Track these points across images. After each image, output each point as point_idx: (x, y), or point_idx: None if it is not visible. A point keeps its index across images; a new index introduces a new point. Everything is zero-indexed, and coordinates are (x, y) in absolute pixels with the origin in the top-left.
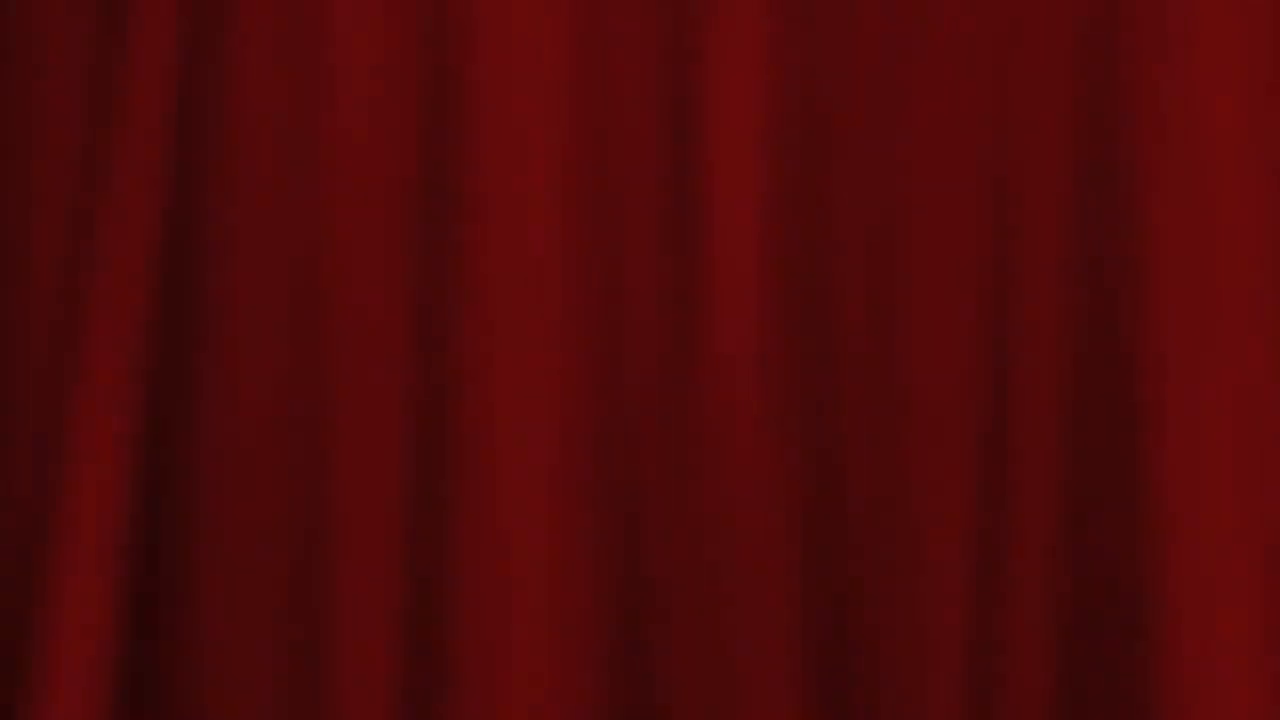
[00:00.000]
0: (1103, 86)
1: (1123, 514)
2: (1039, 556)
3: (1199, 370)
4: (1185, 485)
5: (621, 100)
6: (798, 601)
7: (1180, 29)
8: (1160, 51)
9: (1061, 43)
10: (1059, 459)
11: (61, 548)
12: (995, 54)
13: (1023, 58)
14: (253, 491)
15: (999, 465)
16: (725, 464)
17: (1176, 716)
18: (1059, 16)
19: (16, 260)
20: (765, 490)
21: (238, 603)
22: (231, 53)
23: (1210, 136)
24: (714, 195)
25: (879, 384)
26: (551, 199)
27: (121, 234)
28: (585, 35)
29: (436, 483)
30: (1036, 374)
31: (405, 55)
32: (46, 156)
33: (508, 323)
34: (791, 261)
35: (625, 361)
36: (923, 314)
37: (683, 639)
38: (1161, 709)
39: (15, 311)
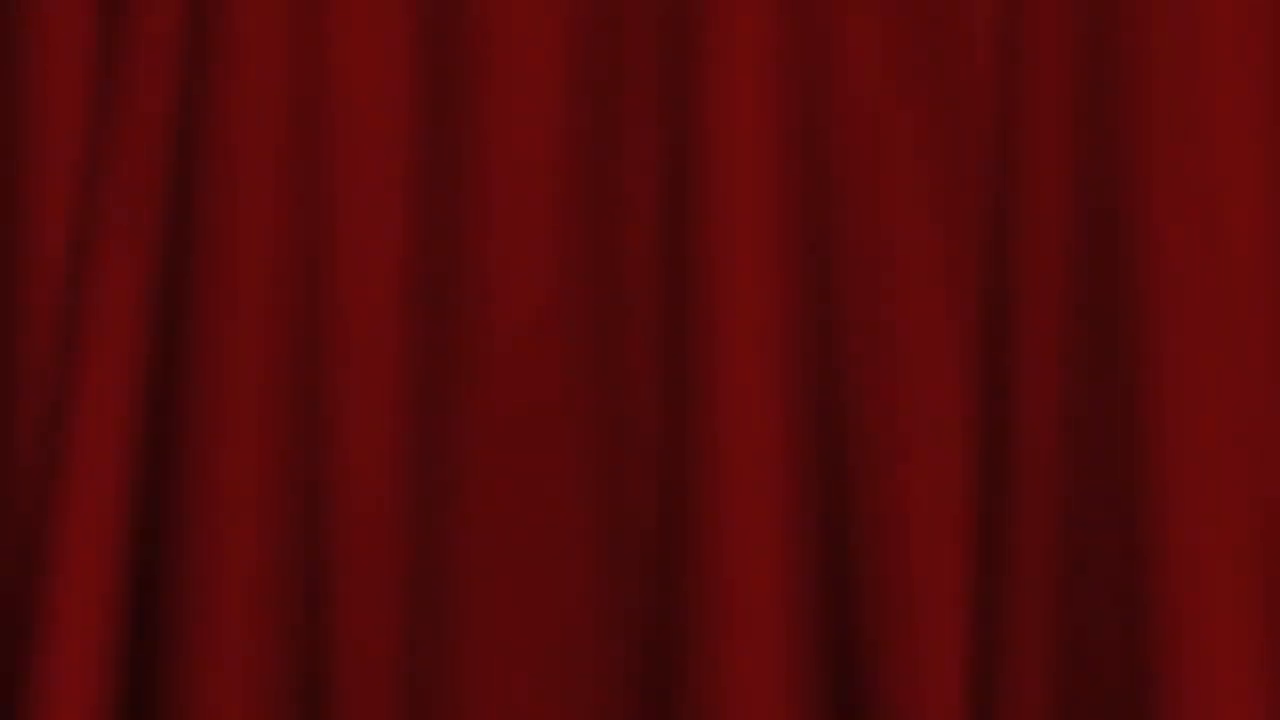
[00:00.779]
0: (1103, 77)
1: (1122, 514)
2: (1039, 555)
3: (1198, 368)
4: (1184, 485)
5: (621, 96)
6: (797, 601)
7: (1181, 23)
8: (1161, 44)
9: (1062, 35)
10: (1058, 457)
11: (61, 547)
12: (994, 48)
13: (1022, 51)
14: (253, 489)
15: (999, 461)
16: (724, 463)
17: (1175, 714)
18: (1060, 10)
19: (16, 259)
20: (766, 488)
21: (238, 603)
22: (231, 42)
23: (1211, 126)
24: (715, 192)
25: (880, 382)
26: (552, 197)
27: (121, 231)
28: (584, 33)
29: (436, 480)
30: (1036, 371)
31: (408, 55)
32: (47, 154)
33: (508, 322)
34: (793, 258)
35: (626, 356)
36: (923, 308)
37: (683, 637)
38: (1160, 709)
39: (15, 310)
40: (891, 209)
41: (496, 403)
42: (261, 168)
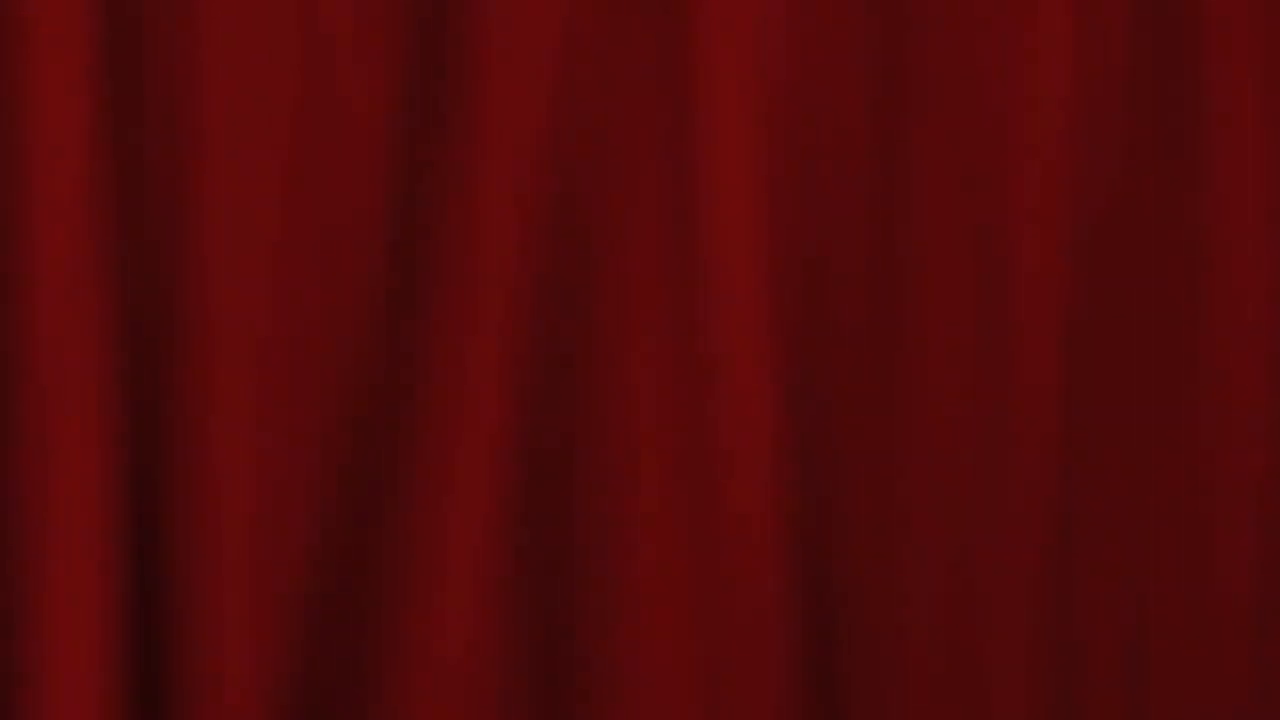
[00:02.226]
0: (1097, 84)
1: (1119, 540)
2: (1033, 560)
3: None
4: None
5: (617, 89)
6: (794, 609)
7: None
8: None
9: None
10: (1056, 446)
11: (56, 549)
12: (996, 44)
13: (1019, 50)
14: (251, 485)
15: (1000, 461)
16: (724, 466)
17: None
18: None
19: (14, 258)
20: (766, 492)
21: (238, 602)
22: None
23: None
24: (711, 189)
25: (880, 382)
26: (541, 193)
27: (111, 224)
28: (578, 29)
29: (426, 483)
30: (1037, 369)
31: (401, 48)
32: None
33: (494, 318)
34: (791, 256)
35: (616, 353)
36: (923, 306)
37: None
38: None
39: (13, 308)
40: (889, 204)
41: (479, 406)
42: (259, 159)
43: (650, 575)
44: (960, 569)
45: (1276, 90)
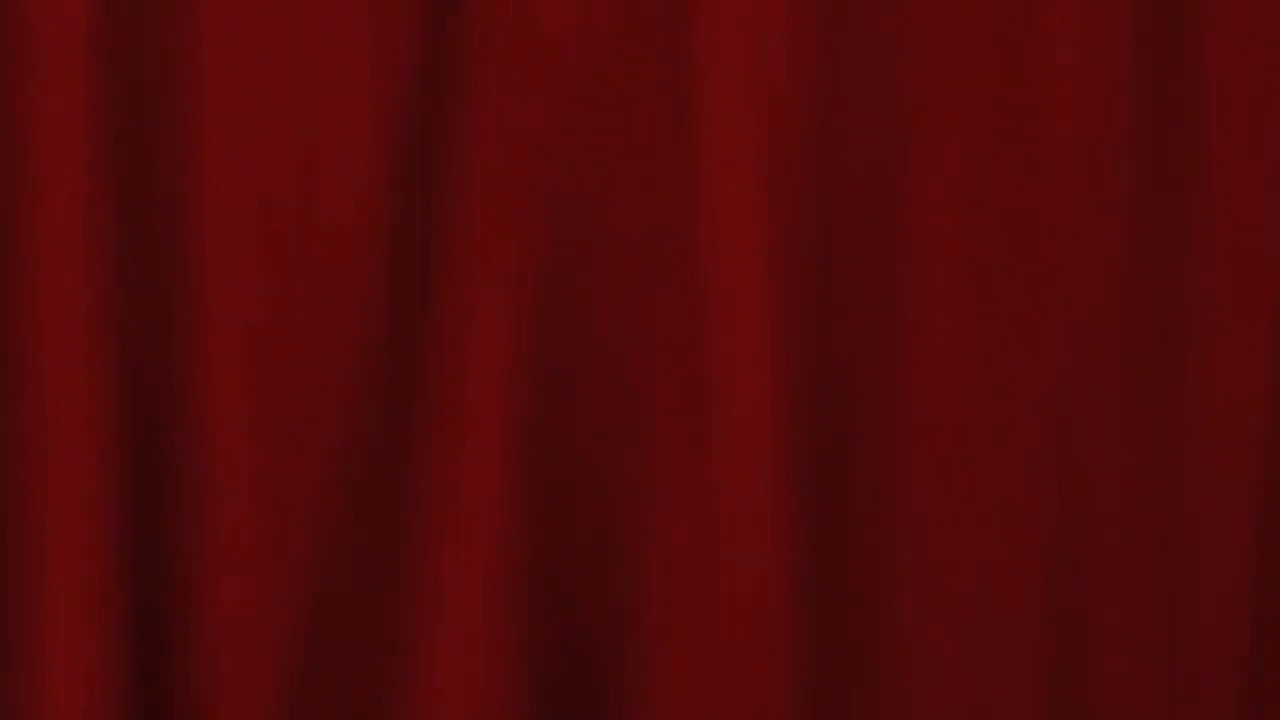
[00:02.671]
0: (1098, 84)
1: (1121, 541)
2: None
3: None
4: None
5: (618, 89)
6: (798, 611)
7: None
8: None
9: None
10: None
11: (56, 549)
12: (998, 44)
13: (1022, 51)
14: (253, 485)
15: (1002, 462)
16: (728, 464)
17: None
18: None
19: (13, 255)
20: (768, 489)
21: (240, 601)
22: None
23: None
24: (712, 190)
25: (882, 382)
26: (540, 202)
27: (109, 230)
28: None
29: (419, 481)
30: (1039, 370)
31: (405, 55)
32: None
33: (491, 313)
34: (792, 257)
35: (627, 353)
36: (925, 307)
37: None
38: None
39: (9, 309)
40: (889, 206)
41: (481, 407)
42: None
43: (655, 574)
44: (962, 570)
45: (1276, 90)
